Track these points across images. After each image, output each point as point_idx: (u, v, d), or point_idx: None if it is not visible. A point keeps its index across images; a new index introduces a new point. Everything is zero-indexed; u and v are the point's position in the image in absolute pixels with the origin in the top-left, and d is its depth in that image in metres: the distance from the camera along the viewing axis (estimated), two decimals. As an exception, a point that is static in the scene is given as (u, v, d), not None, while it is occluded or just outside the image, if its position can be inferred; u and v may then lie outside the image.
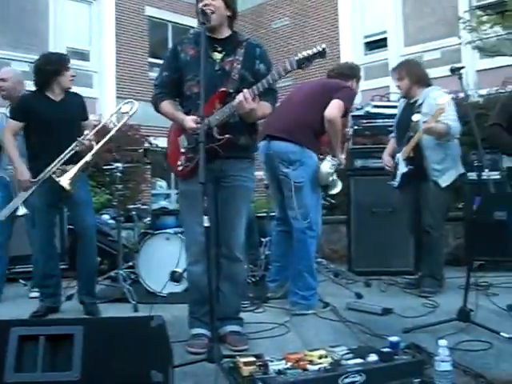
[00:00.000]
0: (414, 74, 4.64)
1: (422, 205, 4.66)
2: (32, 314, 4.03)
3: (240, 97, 3.03)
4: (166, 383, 2.28)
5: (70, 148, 4.00)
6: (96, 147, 4.11)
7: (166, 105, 3.35)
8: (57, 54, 4.35)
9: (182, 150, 3.32)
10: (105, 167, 5.36)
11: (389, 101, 6.21)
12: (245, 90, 3.04)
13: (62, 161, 3.99)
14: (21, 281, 5.43)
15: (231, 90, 3.16)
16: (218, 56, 3.24)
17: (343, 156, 4.44)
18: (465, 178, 5.46)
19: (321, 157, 4.30)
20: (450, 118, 4.38)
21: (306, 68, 3.04)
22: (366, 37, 12.95)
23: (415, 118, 4.40)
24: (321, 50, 2.96)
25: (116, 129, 4.36)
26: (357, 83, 4.64)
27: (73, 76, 4.25)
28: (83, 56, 13.31)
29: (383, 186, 5.26)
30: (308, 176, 4.05)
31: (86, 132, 4.07)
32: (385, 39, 12.48)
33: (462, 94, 4.97)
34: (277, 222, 4.50)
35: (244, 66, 3.22)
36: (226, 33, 3.32)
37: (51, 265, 4.21)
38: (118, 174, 4.92)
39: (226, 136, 3.11)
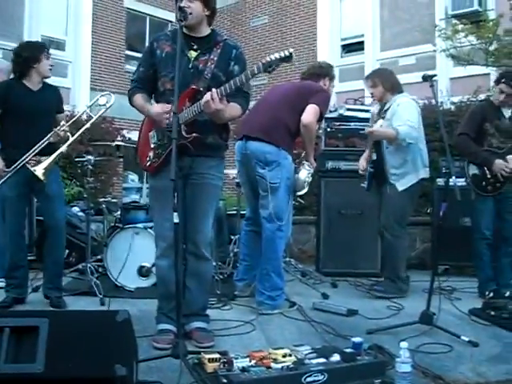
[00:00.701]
0: (387, 81, 4.72)
1: (381, 207, 4.76)
2: (-3, 304, 4.00)
3: (207, 96, 3.03)
4: (130, 377, 2.28)
5: (45, 138, 3.97)
6: (71, 139, 4.09)
7: (138, 97, 3.36)
8: (37, 42, 4.33)
9: (152, 146, 3.34)
10: (77, 159, 5.34)
11: (362, 104, 6.28)
12: (213, 90, 3.05)
13: (37, 151, 3.96)
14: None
15: (201, 89, 3.17)
16: (193, 54, 3.25)
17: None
18: (434, 183, 5.59)
19: (296, 162, 4.36)
20: (401, 124, 4.45)
21: (273, 71, 3.06)
22: (344, 39, 13.03)
23: (378, 123, 4.56)
24: (288, 54, 2.99)
25: (92, 121, 4.34)
26: (330, 81, 4.69)
27: (51, 65, 4.21)
28: (59, 45, 13.12)
29: (353, 187, 5.35)
30: (283, 177, 4.08)
31: (62, 123, 4.04)
32: (362, 43, 12.57)
33: (433, 101, 5.05)
34: (246, 222, 4.52)
35: (218, 65, 3.24)
36: (204, 31, 3.33)
37: (20, 256, 4.17)
38: (90, 167, 4.89)
39: (193, 135, 3.12)
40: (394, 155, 4.62)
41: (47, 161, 3.90)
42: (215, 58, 3.25)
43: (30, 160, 3.95)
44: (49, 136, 3.98)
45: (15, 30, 12.05)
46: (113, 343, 2.26)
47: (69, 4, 13.27)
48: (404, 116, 4.49)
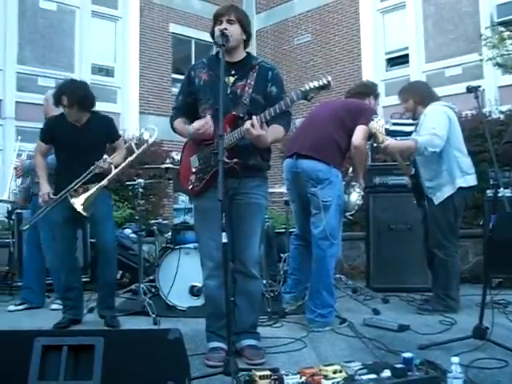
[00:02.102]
0: (417, 95, 4.65)
1: (424, 223, 4.68)
2: (55, 325, 4.14)
3: (248, 124, 3.09)
4: (183, 394, 2.34)
5: (88, 171, 4.10)
6: (114, 172, 4.20)
7: (178, 122, 3.47)
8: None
9: (193, 170, 3.41)
10: (128, 183, 5.48)
11: (408, 118, 6.23)
12: (253, 118, 3.10)
13: (80, 183, 4.10)
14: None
15: (241, 115, 3.24)
16: (230, 80, 3.32)
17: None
18: (484, 194, 5.47)
19: (345, 180, 4.38)
20: (424, 134, 4.36)
21: (312, 99, 3.10)
22: (388, 53, 13.01)
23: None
24: (326, 82, 3.03)
25: (131, 159, 4.44)
26: (375, 100, 4.69)
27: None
28: (108, 72, 13.57)
29: (401, 202, 5.32)
30: (335, 195, 4.07)
31: (104, 156, 4.14)
32: (406, 55, 12.52)
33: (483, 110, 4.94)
34: (295, 237, 4.55)
35: (255, 89, 3.30)
36: (240, 55, 3.41)
37: (72, 278, 4.31)
38: (140, 190, 5.02)
39: (234, 160, 3.18)
40: (425, 167, 4.55)
41: (86, 194, 4.05)
42: (252, 82, 3.30)
43: (78, 188, 4.09)
44: (91, 169, 4.10)
45: (66, 60, 12.53)
46: (165, 361, 2.32)
47: (117, 32, 13.71)
48: (429, 124, 4.39)
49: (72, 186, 4.09)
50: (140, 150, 4.51)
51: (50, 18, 12.67)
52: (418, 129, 4.55)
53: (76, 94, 4.12)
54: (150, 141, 4.41)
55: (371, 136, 4.37)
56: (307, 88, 3.04)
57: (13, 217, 6.12)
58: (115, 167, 4.23)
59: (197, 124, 3.26)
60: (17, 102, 11.95)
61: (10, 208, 6.26)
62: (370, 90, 4.68)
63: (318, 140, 4.14)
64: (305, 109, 10.82)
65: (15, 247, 6.00)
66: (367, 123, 4.14)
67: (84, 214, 4.01)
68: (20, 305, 5.10)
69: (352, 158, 4.32)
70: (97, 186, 4.09)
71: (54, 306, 5.06)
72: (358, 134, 4.14)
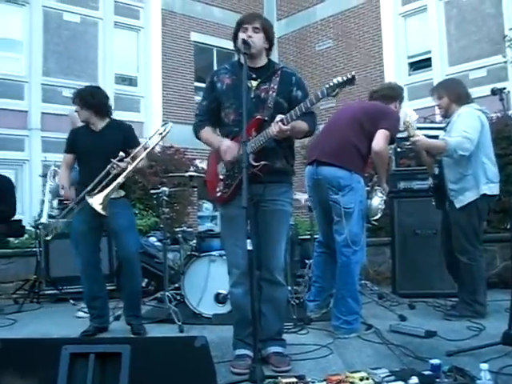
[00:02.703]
0: (453, 92, 4.54)
1: (451, 227, 4.59)
2: (82, 333, 4.18)
3: (276, 127, 3.10)
4: (210, 402, 2.34)
5: (105, 170, 4.14)
6: (130, 168, 4.20)
7: (205, 131, 3.47)
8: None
9: (221, 177, 3.42)
10: (152, 191, 5.52)
11: (432, 122, 6.19)
12: (280, 117, 3.11)
13: (100, 184, 4.14)
14: (71, 301, 5.61)
15: (266, 118, 3.25)
16: (253, 83, 3.33)
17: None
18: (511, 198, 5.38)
19: (369, 185, 4.34)
20: (456, 135, 4.29)
21: (337, 95, 3.10)
22: (410, 57, 12.94)
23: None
24: (350, 77, 3.03)
25: (148, 151, 4.45)
26: (399, 104, 4.62)
27: (76, 111, 4.43)
28: (131, 82, 13.72)
29: (427, 207, 5.26)
30: (357, 201, 4.03)
31: (120, 154, 4.18)
32: (429, 59, 12.43)
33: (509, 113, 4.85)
34: (318, 244, 4.53)
35: (279, 93, 3.32)
36: (262, 62, 3.42)
37: (96, 287, 4.35)
38: (165, 198, 5.06)
39: (262, 163, 3.18)
40: (451, 169, 4.47)
41: (103, 192, 4.07)
42: (275, 86, 3.32)
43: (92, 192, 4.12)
44: (108, 168, 4.13)
45: (90, 70, 12.72)
46: (192, 368, 2.32)
47: (139, 42, 13.88)
48: (461, 127, 4.31)
49: (91, 186, 4.13)
50: (155, 143, 4.59)
51: (73, 30, 12.86)
52: (449, 128, 4.47)
53: (86, 95, 4.33)
54: (164, 133, 4.40)
55: (394, 140, 4.34)
56: (331, 84, 3.05)
57: (40, 226, 6.20)
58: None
59: (225, 146, 3.28)
60: (42, 113, 12.15)
61: (36, 217, 6.35)
62: (396, 94, 4.62)
63: (338, 146, 4.10)
64: (327, 115, 10.82)
65: (42, 256, 6.08)
66: (389, 128, 4.09)
67: (103, 213, 4.02)
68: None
69: (374, 163, 4.28)
70: (114, 184, 4.10)
71: (79, 314, 5.11)
72: (379, 139, 4.06)
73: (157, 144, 4.68)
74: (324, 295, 4.40)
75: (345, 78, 3.03)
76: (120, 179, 4.14)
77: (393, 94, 4.60)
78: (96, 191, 4.10)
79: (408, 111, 4.37)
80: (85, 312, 4.98)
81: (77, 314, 5.15)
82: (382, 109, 4.33)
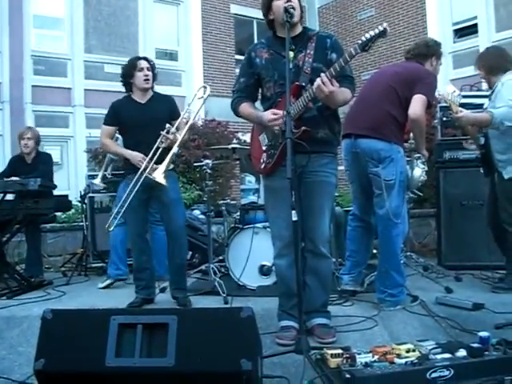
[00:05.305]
0: (486, 65, 4.42)
1: (498, 198, 4.47)
2: (129, 304, 4.25)
3: (318, 81, 3.06)
4: (256, 372, 2.36)
5: (156, 144, 4.15)
6: (180, 137, 4.21)
7: (245, 106, 3.47)
8: (132, 59, 4.53)
9: (264, 148, 3.41)
10: (195, 164, 5.54)
11: (479, 90, 6.01)
12: (322, 74, 3.07)
13: (153, 159, 4.13)
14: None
15: (303, 84, 3.22)
16: (291, 54, 3.27)
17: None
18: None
19: (409, 158, 4.25)
20: (501, 105, 4.15)
21: (371, 49, 3.05)
22: (455, 24, 12.54)
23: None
24: (382, 29, 2.97)
25: (195, 116, 4.45)
26: (437, 60, 4.36)
27: (146, 76, 4.36)
28: (172, 56, 13.73)
29: (473, 177, 5.15)
30: (397, 172, 3.92)
31: (167, 126, 4.18)
32: (475, 25, 12.02)
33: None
34: (352, 217, 4.42)
35: (316, 58, 3.27)
36: (298, 30, 3.38)
37: (143, 259, 4.41)
38: (208, 171, 5.07)
39: (302, 128, 3.14)
40: (498, 139, 4.31)
41: (163, 164, 4.06)
42: (312, 52, 3.28)
43: (148, 168, 4.12)
44: (159, 141, 4.14)
45: (130, 46, 12.77)
46: (238, 339, 2.34)
47: (179, 16, 13.84)
48: (505, 95, 4.16)
49: (145, 164, 4.12)
50: (199, 108, 4.62)
51: (113, 6, 12.91)
52: (494, 97, 4.33)
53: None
54: (205, 95, 4.39)
55: (432, 105, 4.21)
56: (363, 39, 3.00)
57: (86, 200, 6.32)
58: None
59: (270, 116, 3.24)
60: (85, 89, 12.29)
61: (82, 192, 6.47)
62: (432, 51, 4.35)
63: (375, 118, 3.97)
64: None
65: (88, 230, 6.21)
66: (425, 92, 3.94)
67: (165, 184, 4.02)
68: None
69: (412, 131, 4.17)
70: (170, 155, 4.10)
71: (100, 285, 5.27)
72: (415, 105, 3.91)
73: (200, 108, 4.67)
74: (359, 269, 4.35)
75: (377, 31, 2.98)
76: (175, 149, 4.13)
77: (427, 51, 4.33)
78: (151, 165, 4.10)
79: (449, 88, 4.23)
80: (102, 282, 5.25)
81: (98, 286, 5.28)
82: (416, 72, 4.12)
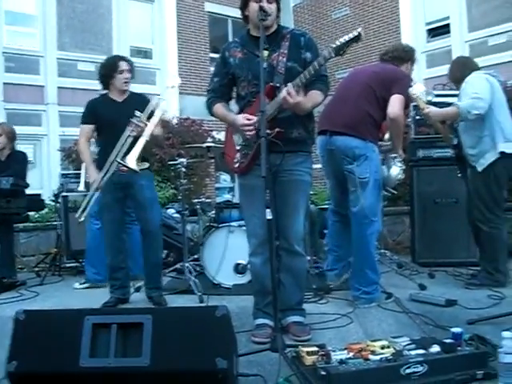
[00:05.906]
0: (453, 77, 4.61)
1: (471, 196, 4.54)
2: (103, 304, 4.21)
3: (283, 93, 3.07)
4: (231, 370, 2.36)
5: (126, 132, 4.11)
6: (150, 126, 4.15)
7: (219, 107, 3.46)
8: (111, 58, 4.50)
9: (237, 148, 3.41)
10: (170, 162, 5.51)
11: (451, 89, 6.08)
12: (288, 85, 3.08)
13: (123, 149, 4.09)
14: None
15: (277, 84, 3.21)
16: (265, 53, 3.26)
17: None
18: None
19: (382, 152, 4.29)
20: (465, 99, 4.25)
21: (345, 54, 3.06)
22: (428, 23, 12.67)
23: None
24: (356, 34, 3.00)
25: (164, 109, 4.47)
26: (412, 65, 4.49)
27: (126, 78, 4.34)
28: (146, 54, 13.66)
29: (446, 175, 5.22)
30: (372, 171, 3.94)
31: (137, 113, 4.13)
32: (447, 25, 12.17)
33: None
34: (331, 213, 4.48)
35: (290, 57, 3.27)
36: (272, 29, 3.36)
37: (119, 258, 4.37)
38: (183, 169, 5.05)
39: (276, 130, 3.14)
40: (468, 134, 4.40)
41: (134, 150, 4.02)
42: (285, 51, 3.28)
43: (119, 164, 4.07)
44: (130, 129, 4.10)
45: (104, 44, 12.68)
46: (213, 337, 2.34)
47: (153, 14, 13.77)
48: (469, 90, 4.27)
49: (116, 152, 4.09)
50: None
51: (87, 3, 12.79)
52: (459, 96, 4.44)
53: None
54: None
55: (408, 104, 4.27)
56: (338, 43, 3.02)
57: (59, 199, 6.25)
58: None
59: (243, 121, 3.24)
60: (58, 87, 12.16)
61: (56, 191, 6.39)
62: (409, 56, 4.46)
63: (351, 115, 4.00)
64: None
65: (62, 229, 6.14)
66: (403, 92, 4.00)
67: (137, 170, 4.00)
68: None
69: (390, 130, 4.22)
70: (141, 141, 4.06)
71: (76, 285, 5.23)
72: (394, 105, 3.96)
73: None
74: (342, 263, 4.39)
75: (351, 36, 3.01)
76: (146, 137, 4.10)
77: (405, 56, 4.45)
78: (123, 154, 4.07)
79: (418, 87, 4.29)
80: (80, 283, 5.20)
81: (74, 286, 5.24)
82: (393, 73, 4.20)
